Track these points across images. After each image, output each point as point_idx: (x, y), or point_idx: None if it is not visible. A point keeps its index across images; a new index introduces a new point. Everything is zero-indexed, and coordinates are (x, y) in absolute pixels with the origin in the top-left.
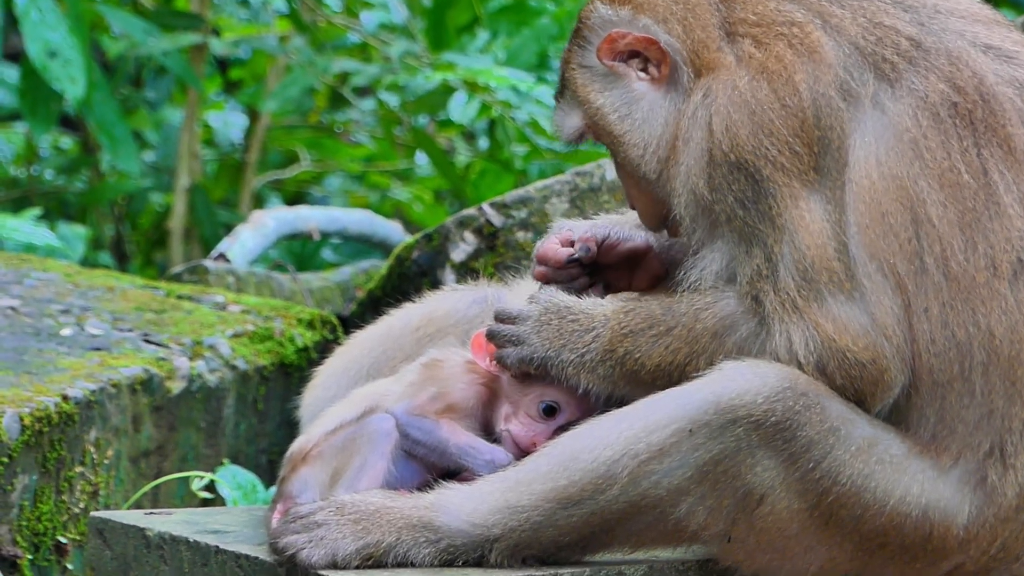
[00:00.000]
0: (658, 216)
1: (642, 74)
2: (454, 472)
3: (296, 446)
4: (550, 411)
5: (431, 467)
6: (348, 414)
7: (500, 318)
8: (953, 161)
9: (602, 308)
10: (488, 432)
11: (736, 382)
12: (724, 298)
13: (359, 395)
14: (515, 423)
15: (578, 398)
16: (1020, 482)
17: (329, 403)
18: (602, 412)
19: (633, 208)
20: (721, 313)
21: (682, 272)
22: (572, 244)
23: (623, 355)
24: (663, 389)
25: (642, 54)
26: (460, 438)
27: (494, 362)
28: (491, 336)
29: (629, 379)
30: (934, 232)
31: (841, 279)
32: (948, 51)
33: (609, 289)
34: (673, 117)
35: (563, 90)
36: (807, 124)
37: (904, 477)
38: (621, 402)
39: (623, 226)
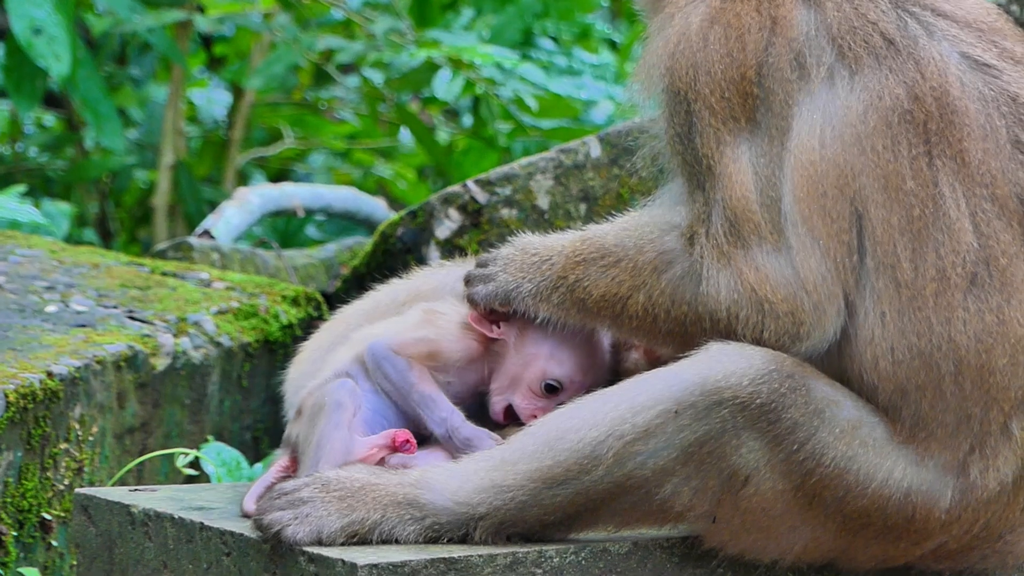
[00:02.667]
0: None
1: None
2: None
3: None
4: (552, 389)
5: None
6: (337, 364)
7: (478, 263)
8: (899, 166)
9: (563, 240)
10: (475, 388)
11: (722, 364)
12: (669, 235)
13: (358, 337)
14: (517, 396)
15: (581, 376)
16: (1001, 478)
17: (313, 379)
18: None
19: None
20: (662, 248)
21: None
22: None
23: (573, 282)
24: (608, 321)
25: None
26: (426, 387)
27: (466, 301)
28: (467, 280)
29: (579, 308)
30: (876, 234)
31: (765, 231)
32: (919, 58)
33: None
34: None
35: None
36: (747, 79)
37: (886, 461)
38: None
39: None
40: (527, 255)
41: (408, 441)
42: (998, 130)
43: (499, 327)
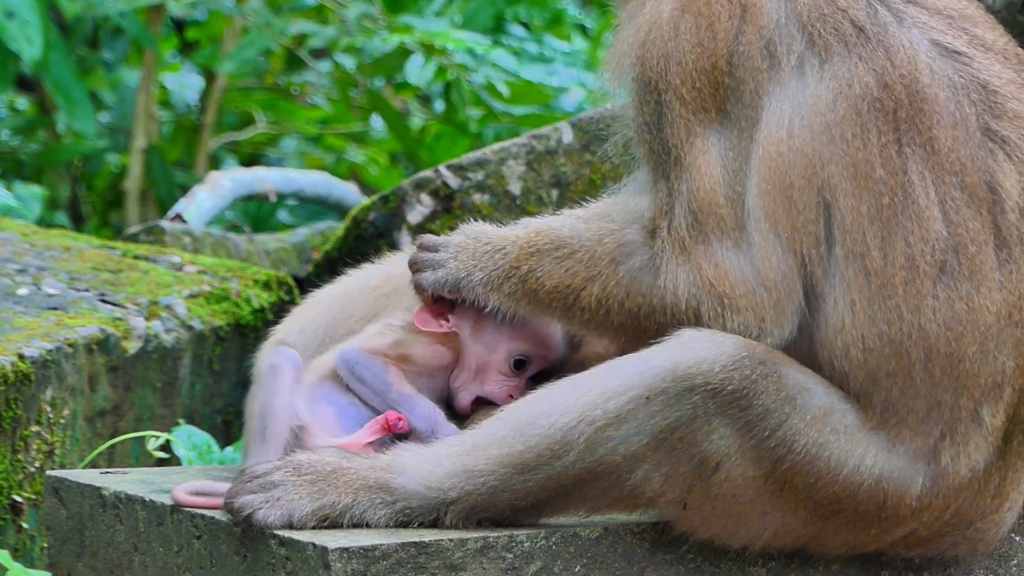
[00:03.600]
0: None
1: None
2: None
3: None
4: (520, 364)
5: (369, 407)
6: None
7: (423, 247)
8: (868, 154)
9: (516, 231)
10: (442, 390)
11: (694, 350)
12: (629, 226)
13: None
14: (488, 382)
15: (545, 350)
16: (972, 464)
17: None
18: (569, 363)
19: None
20: (622, 240)
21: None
22: None
23: (526, 273)
24: (559, 313)
25: None
26: (404, 388)
27: (412, 286)
28: (412, 263)
29: (530, 299)
30: (845, 223)
31: (728, 226)
32: (889, 46)
33: None
34: None
35: None
36: (718, 69)
37: (858, 448)
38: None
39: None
40: (479, 243)
41: (401, 419)
42: (968, 118)
43: (448, 320)
